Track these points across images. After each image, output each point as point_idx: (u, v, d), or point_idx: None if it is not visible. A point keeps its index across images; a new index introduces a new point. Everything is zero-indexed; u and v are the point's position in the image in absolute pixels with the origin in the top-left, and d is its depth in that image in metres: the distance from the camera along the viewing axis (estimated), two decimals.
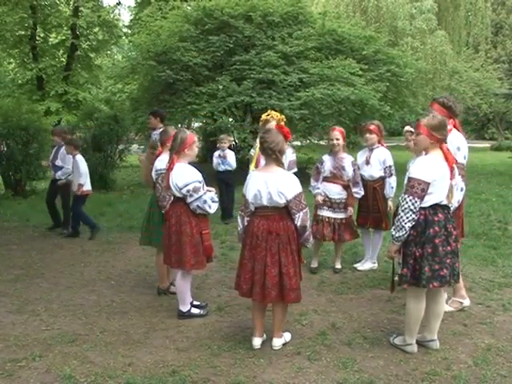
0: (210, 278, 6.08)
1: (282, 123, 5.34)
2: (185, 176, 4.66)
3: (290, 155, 5.66)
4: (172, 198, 4.92)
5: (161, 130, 8.20)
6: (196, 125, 18.53)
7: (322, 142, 16.72)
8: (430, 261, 3.95)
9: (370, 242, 6.59)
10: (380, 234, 6.55)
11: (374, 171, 6.33)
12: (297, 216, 4.13)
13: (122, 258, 7.19)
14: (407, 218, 3.92)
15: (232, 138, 10.01)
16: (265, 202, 4.13)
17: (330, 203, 6.25)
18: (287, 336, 4.49)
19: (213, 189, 4.92)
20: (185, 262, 4.77)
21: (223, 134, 10.18)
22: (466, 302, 5.13)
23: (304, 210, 4.14)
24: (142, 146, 22.39)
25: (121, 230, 8.86)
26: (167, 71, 13.82)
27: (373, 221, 6.38)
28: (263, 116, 5.44)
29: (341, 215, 6.26)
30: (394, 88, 16.04)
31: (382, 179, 6.33)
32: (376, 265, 6.56)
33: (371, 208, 6.35)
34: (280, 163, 4.18)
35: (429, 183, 3.90)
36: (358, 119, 15.62)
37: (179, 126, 17.01)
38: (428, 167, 3.93)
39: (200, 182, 4.70)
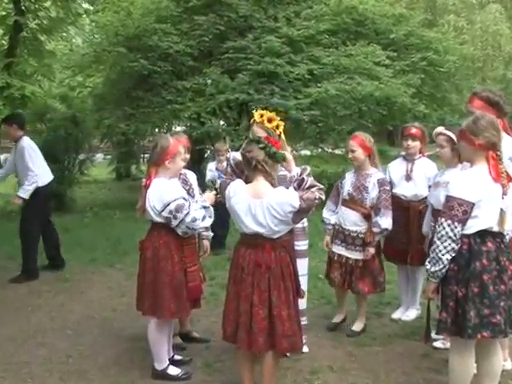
0: (196, 325, 6.05)
1: (279, 131, 4.96)
2: (164, 194, 4.65)
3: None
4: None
5: (23, 138, 8.19)
6: (178, 129, 18.56)
7: (337, 151, 16.75)
8: (478, 303, 3.88)
9: (407, 281, 6.46)
10: (421, 271, 6.16)
11: (419, 189, 6.08)
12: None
13: (81, 300, 7.15)
14: (445, 247, 3.89)
15: (227, 146, 10.02)
16: (248, 231, 4.21)
17: (344, 236, 5.84)
18: None
19: (208, 196, 4.91)
20: (163, 308, 4.72)
21: (219, 143, 10.14)
22: (508, 365, 5.04)
23: (316, 200, 4.22)
24: (109, 156, 22.57)
25: (81, 263, 8.83)
26: (141, 60, 13.87)
27: (416, 255, 5.98)
28: (256, 115, 5.20)
29: (356, 255, 5.81)
30: (431, 81, 16.13)
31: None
32: (420, 311, 6.38)
33: (415, 238, 6.01)
34: (268, 175, 4.22)
35: (473, 204, 3.86)
36: (383, 122, 15.67)
37: (156, 130, 17.10)
38: (472, 183, 3.90)
39: (186, 200, 4.69)
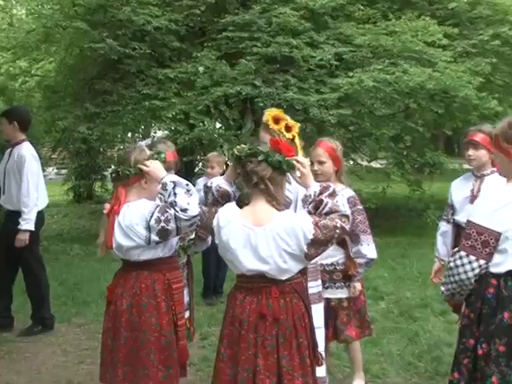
0: None
1: (291, 135, 5.07)
2: (142, 208, 4.61)
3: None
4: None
5: (23, 145, 8.11)
6: (159, 134, 18.61)
7: (374, 164, 16.71)
8: (503, 366, 3.87)
9: None
10: None
11: None
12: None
13: (24, 369, 7.13)
14: (449, 275, 4.08)
15: (224, 158, 9.99)
16: (247, 271, 4.15)
17: (323, 273, 5.82)
18: None
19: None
20: (148, 378, 4.66)
21: (212, 153, 10.16)
22: None
23: (337, 230, 4.14)
24: (64, 171, 22.58)
25: (25, 317, 8.79)
26: (108, 40, 13.91)
27: None
28: (267, 115, 5.24)
29: (338, 293, 5.98)
30: (507, 66, 16.06)
31: None
32: None
33: None
34: (272, 198, 4.18)
35: (498, 233, 3.88)
36: (439, 123, 15.67)
37: (129, 136, 17.14)
38: (500, 206, 3.92)
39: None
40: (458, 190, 6.31)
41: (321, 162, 5.92)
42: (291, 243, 4.03)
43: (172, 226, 4.52)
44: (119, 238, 4.64)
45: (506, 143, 4.02)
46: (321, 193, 4.32)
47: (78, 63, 15.55)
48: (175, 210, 4.48)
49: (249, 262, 4.11)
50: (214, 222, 4.26)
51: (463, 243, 3.93)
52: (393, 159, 16.02)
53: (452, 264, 3.98)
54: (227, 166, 12.53)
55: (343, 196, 5.86)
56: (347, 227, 4.22)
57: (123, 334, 4.70)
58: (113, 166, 5.09)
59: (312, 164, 5.75)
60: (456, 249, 4.00)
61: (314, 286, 5.20)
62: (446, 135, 21.35)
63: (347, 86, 13.23)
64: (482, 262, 3.89)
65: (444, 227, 6.39)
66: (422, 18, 14.52)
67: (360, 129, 14.61)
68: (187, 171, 15.47)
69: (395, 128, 14.76)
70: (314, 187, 4.40)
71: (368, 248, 5.98)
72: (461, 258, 3.92)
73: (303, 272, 4.37)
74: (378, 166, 17.01)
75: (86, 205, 21.33)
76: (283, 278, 4.11)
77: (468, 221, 3.98)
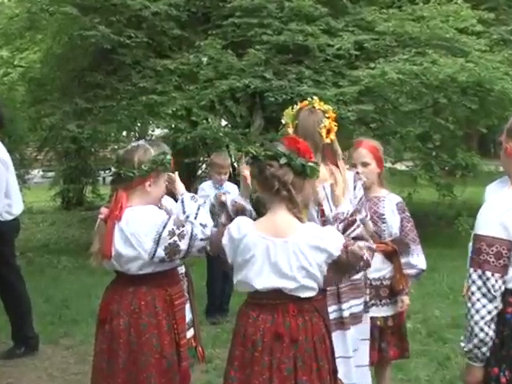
0: None
1: (329, 123, 5.09)
2: (153, 216, 4.59)
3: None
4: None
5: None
6: (157, 132, 18.60)
7: (399, 166, 16.66)
8: None
9: None
10: None
11: None
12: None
13: None
14: (477, 311, 3.86)
15: (229, 161, 9.95)
16: (263, 288, 4.10)
17: (369, 288, 5.79)
18: None
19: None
20: None
21: (217, 154, 10.13)
22: None
23: (361, 262, 4.15)
24: (51, 173, 22.55)
25: (6, 338, 8.81)
26: (100, 27, 13.91)
27: None
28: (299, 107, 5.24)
29: (383, 311, 5.98)
30: None
31: None
32: None
33: None
34: (293, 205, 4.13)
35: (509, 242, 3.84)
36: (472, 121, 15.61)
37: (124, 135, 17.14)
38: (505, 212, 3.89)
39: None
40: (494, 194, 6.30)
41: (365, 164, 5.92)
42: (312, 261, 4.01)
43: (184, 243, 4.52)
44: (120, 246, 4.57)
45: (507, 137, 4.08)
46: (353, 214, 4.31)
47: (67, 53, 15.52)
48: (193, 223, 4.54)
49: (268, 279, 4.07)
50: (224, 240, 4.24)
51: (475, 260, 3.84)
52: (420, 160, 16.03)
53: (474, 288, 3.88)
54: (234, 168, 12.55)
55: (391, 201, 6.04)
56: (371, 261, 4.19)
57: (122, 357, 4.63)
58: (112, 167, 5.03)
59: (355, 166, 5.78)
60: (470, 270, 3.91)
61: (332, 312, 5.10)
62: (480, 133, 21.23)
63: (368, 79, 13.23)
64: (497, 275, 3.83)
65: None
66: (454, 1, 14.49)
67: (383, 126, 14.59)
68: (188, 174, 15.43)
69: (423, 125, 14.75)
70: (347, 206, 4.38)
71: (418, 259, 6.01)
72: (480, 276, 3.85)
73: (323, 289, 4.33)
74: (404, 168, 16.99)
75: (76, 212, 21.30)
76: (303, 296, 4.08)
77: (474, 234, 3.92)
